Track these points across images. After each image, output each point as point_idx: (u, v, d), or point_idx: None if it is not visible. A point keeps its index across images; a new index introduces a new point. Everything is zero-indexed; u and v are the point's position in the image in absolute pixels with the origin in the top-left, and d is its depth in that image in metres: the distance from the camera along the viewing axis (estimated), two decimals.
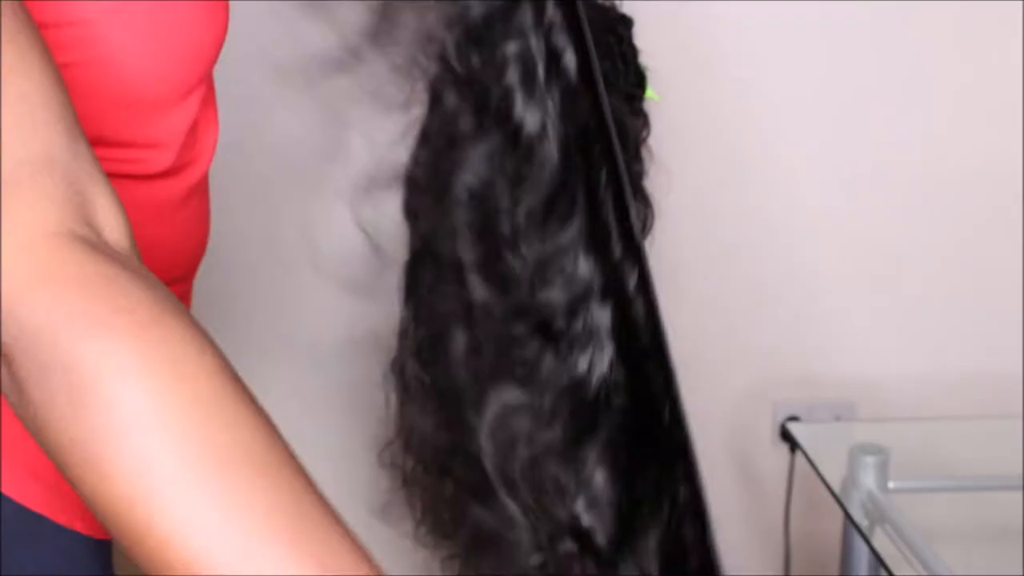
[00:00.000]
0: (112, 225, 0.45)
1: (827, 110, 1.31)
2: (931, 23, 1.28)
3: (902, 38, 1.29)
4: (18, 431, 0.45)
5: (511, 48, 0.64)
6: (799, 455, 1.24)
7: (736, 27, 1.28)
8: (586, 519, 0.71)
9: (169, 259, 0.66)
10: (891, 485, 1.07)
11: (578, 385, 0.70)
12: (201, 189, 0.71)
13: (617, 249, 0.66)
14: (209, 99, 0.70)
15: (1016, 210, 1.32)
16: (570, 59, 0.63)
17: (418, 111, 1.07)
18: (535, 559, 0.76)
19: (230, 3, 0.66)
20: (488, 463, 0.75)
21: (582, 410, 0.70)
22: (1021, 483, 1.07)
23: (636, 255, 0.66)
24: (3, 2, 0.44)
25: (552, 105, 0.65)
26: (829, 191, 1.34)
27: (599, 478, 0.70)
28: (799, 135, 1.32)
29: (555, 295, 0.69)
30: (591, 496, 0.71)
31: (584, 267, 0.67)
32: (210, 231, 0.77)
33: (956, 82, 1.30)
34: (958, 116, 1.31)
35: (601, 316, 0.67)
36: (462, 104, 0.68)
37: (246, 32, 1.25)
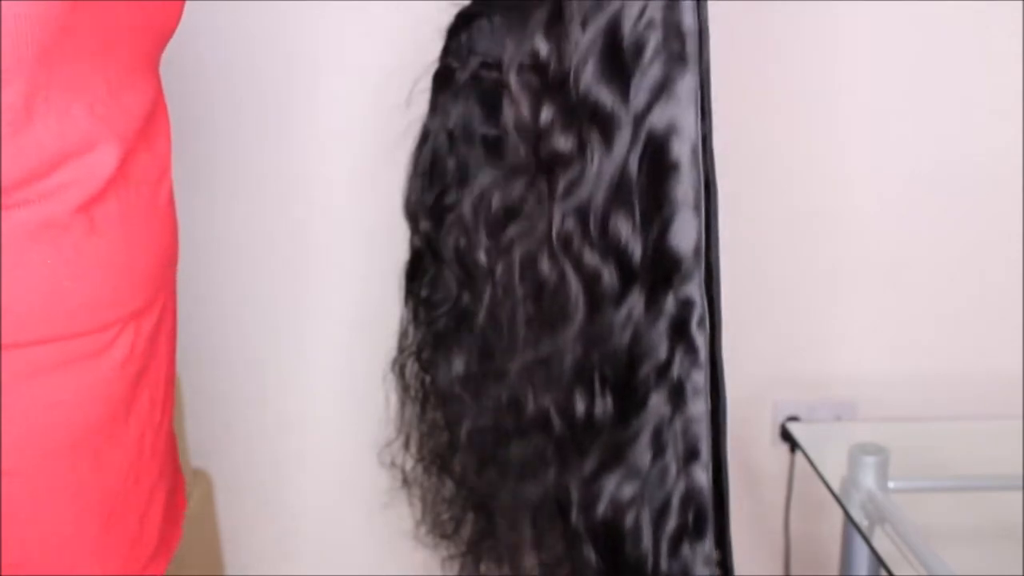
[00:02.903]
0: None
1: (827, 110, 1.31)
2: (933, 24, 1.28)
3: (902, 39, 1.29)
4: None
5: None
6: (799, 455, 1.24)
7: (737, 28, 1.28)
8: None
9: (81, 305, 0.56)
10: (891, 485, 1.07)
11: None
12: (110, 216, 0.57)
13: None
14: (96, 113, 0.56)
15: (1016, 211, 1.32)
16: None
17: (418, 110, 1.07)
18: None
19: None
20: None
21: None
22: (1021, 483, 1.07)
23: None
24: None
25: None
26: (828, 191, 1.34)
27: None
28: (798, 136, 1.32)
29: None
30: None
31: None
32: (178, 248, 0.66)
33: (956, 82, 1.30)
34: (960, 117, 1.31)
35: None
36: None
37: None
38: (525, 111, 0.76)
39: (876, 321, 1.38)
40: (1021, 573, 0.97)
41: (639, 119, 0.70)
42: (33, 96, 0.53)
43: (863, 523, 1.04)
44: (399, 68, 1.04)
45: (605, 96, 0.69)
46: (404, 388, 1.15)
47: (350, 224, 1.33)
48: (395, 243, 1.13)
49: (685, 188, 0.71)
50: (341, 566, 1.41)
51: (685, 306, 0.74)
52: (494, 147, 0.99)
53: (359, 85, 1.27)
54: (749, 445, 1.43)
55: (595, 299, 0.74)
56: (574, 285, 0.74)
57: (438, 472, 1.15)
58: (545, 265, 0.77)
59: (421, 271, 1.09)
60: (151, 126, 0.62)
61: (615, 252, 0.72)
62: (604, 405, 0.75)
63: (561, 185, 0.73)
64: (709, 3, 1.25)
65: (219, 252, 1.33)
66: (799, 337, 1.39)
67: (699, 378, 0.76)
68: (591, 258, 0.73)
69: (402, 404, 1.17)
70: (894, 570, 0.96)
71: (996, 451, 1.19)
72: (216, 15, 1.22)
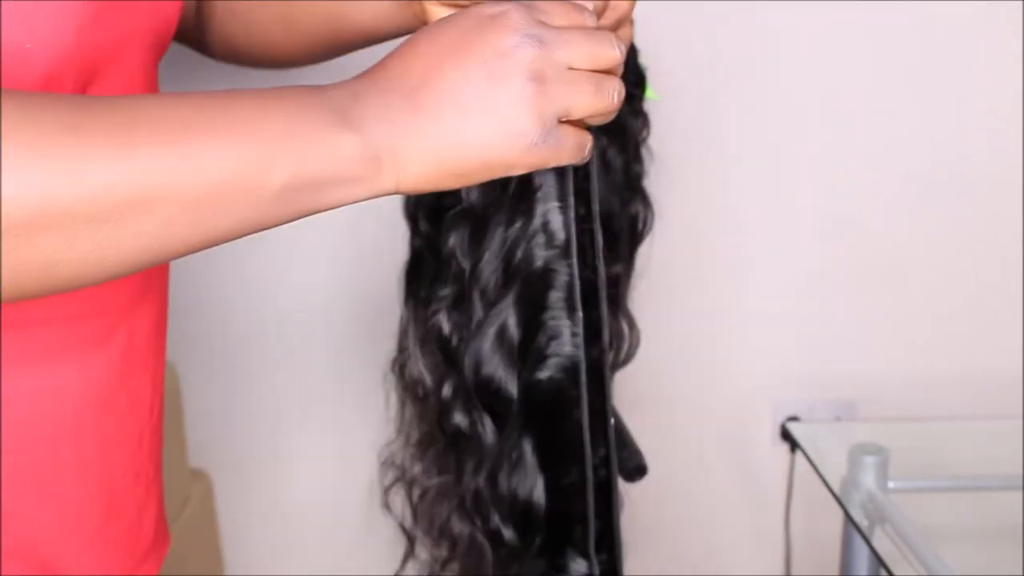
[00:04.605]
0: None
1: (826, 111, 1.31)
2: (932, 24, 1.28)
3: (902, 38, 1.29)
4: None
5: None
6: (799, 455, 1.24)
7: (736, 27, 1.28)
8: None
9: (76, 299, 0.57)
10: (891, 485, 1.07)
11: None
12: None
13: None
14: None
15: (1016, 210, 1.32)
16: None
17: None
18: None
19: None
20: None
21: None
22: (1021, 483, 1.07)
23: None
24: None
25: None
26: (829, 191, 1.34)
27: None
28: (798, 136, 1.32)
29: None
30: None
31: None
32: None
33: (956, 82, 1.30)
34: (958, 116, 1.31)
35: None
36: None
37: None
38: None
39: (875, 321, 1.38)
40: (1021, 573, 0.97)
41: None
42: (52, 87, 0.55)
43: (863, 523, 1.04)
44: None
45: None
46: (404, 388, 1.15)
47: (350, 224, 1.33)
48: (395, 243, 1.13)
49: None
50: (341, 566, 1.41)
51: None
52: None
53: None
54: (749, 445, 1.43)
55: None
56: None
57: (438, 472, 1.15)
58: None
59: (421, 271, 1.09)
60: None
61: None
62: None
63: None
64: (704, 2, 1.25)
65: (218, 252, 1.32)
66: (799, 337, 1.39)
67: None
68: None
69: (402, 404, 1.16)
70: (894, 570, 0.96)
71: (996, 451, 1.19)
72: None
